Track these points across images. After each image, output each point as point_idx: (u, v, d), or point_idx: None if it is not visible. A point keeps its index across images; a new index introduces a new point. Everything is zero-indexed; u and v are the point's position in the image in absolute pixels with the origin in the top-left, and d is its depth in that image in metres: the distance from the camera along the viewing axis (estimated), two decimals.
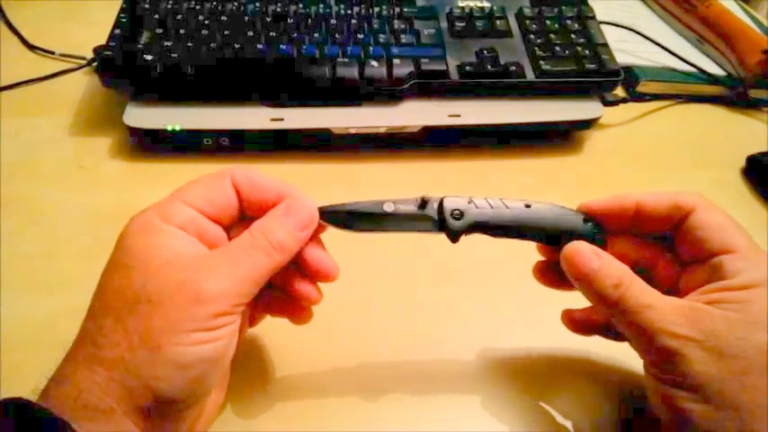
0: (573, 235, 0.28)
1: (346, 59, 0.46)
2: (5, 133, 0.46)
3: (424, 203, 0.29)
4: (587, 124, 0.48)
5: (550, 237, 0.29)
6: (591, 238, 0.28)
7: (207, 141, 0.45)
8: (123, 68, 0.44)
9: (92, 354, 0.23)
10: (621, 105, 0.51)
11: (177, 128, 0.44)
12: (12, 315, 0.34)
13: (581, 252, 0.27)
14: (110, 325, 0.23)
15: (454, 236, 0.28)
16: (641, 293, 0.25)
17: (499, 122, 0.46)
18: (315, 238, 0.28)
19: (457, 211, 0.29)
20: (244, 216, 0.28)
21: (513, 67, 0.47)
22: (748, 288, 0.24)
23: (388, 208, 0.28)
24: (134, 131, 0.44)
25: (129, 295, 0.23)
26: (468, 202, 0.29)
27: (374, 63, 0.46)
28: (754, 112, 0.55)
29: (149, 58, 0.44)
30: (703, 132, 0.52)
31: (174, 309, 0.23)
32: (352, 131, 0.45)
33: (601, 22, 0.53)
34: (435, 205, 0.29)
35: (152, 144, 0.45)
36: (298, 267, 0.28)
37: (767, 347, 0.23)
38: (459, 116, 0.46)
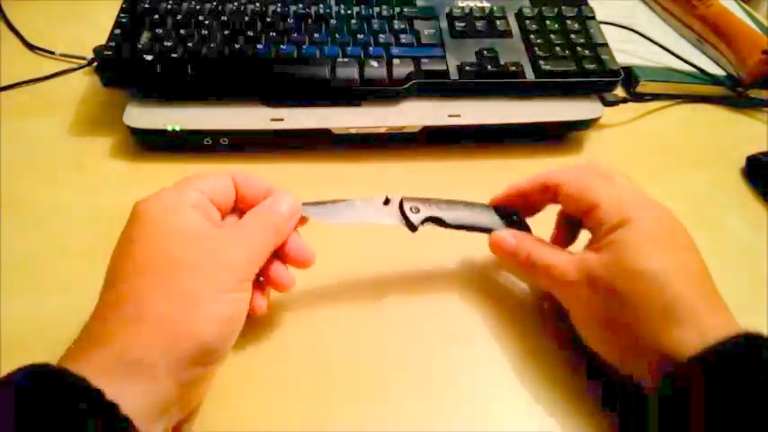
0: (502, 226, 0.36)
1: (346, 59, 0.46)
2: (5, 133, 0.46)
3: (387, 201, 0.35)
4: (587, 124, 0.48)
5: (484, 229, 0.36)
6: (516, 227, 0.36)
7: (207, 141, 0.45)
8: (123, 68, 0.44)
9: (133, 313, 0.25)
10: (621, 105, 0.51)
11: (177, 128, 0.44)
12: (12, 315, 0.34)
13: (501, 237, 0.35)
14: (147, 287, 0.26)
15: (412, 226, 0.34)
16: (543, 256, 0.33)
17: (499, 122, 0.46)
18: (294, 229, 0.33)
19: (415, 207, 0.35)
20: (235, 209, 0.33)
21: (513, 67, 0.47)
22: (610, 233, 0.30)
23: (359, 203, 0.35)
24: (134, 131, 0.44)
25: (163, 261, 0.26)
26: (424, 201, 0.35)
27: (374, 63, 0.46)
28: (754, 112, 0.55)
29: (149, 58, 0.44)
30: (703, 132, 0.52)
31: (209, 273, 0.27)
32: (353, 131, 0.45)
33: (601, 22, 0.53)
34: (397, 202, 0.35)
35: (152, 144, 0.45)
36: (278, 256, 0.32)
37: (628, 274, 0.29)
38: (459, 116, 0.46)
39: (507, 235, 0.35)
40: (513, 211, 0.36)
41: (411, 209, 0.34)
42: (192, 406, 0.29)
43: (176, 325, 0.25)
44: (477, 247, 0.39)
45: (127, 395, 0.23)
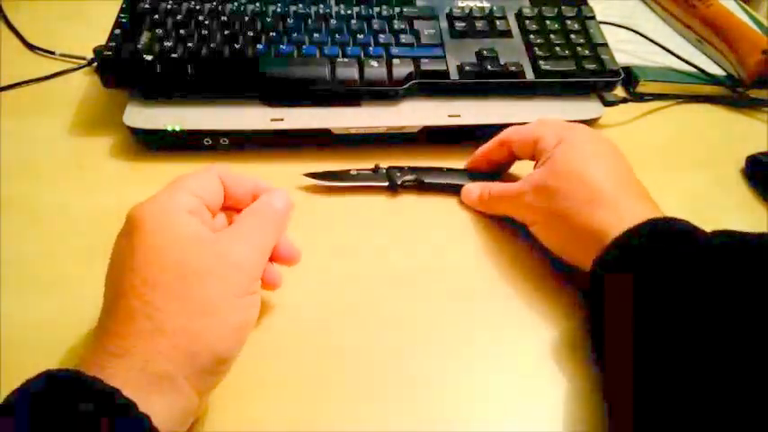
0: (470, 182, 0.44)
1: (346, 59, 0.46)
2: (5, 133, 0.46)
3: (377, 168, 0.44)
4: (587, 124, 0.48)
5: (458, 186, 0.43)
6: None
7: (207, 141, 0.45)
8: (123, 68, 0.44)
9: (150, 327, 0.25)
10: (621, 105, 0.51)
11: (177, 128, 0.44)
12: (12, 315, 0.34)
13: (468, 188, 0.43)
14: (160, 299, 0.25)
15: (394, 186, 0.43)
16: (500, 188, 0.41)
17: (499, 122, 0.46)
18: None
19: (398, 172, 0.43)
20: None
21: (513, 67, 0.47)
22: (549, 153, 0.37)
23: (353, 172, 0.43)
24: (134, 131, 0.44)
25: (173, 272, 0.26)
26: (407, 168, 0.44)
27: (374, 63, 0.46)
28: (754, 112, 0.55)
29: (149, 58, 0.44)
30: (703, 132, 0.52)
31: (221, 277, 0.27)
32: (352, 131, 0.45)
33: (601, 22, 0.53)
34: (384, 169, 0.43)
35: (152, 144, 0.45)
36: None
37: (559, 175, 0.36)
38: (459, 116, 0.46)
39: (472, 185, 0.43)
40: (483, 173, 0.44)
41: (395, 174, 0.43)
42: (201, 410, 0.29)
43: (194, 338, 0.25)
44: (472, 248, 0.39)
45: (155, 406, 0.23)
